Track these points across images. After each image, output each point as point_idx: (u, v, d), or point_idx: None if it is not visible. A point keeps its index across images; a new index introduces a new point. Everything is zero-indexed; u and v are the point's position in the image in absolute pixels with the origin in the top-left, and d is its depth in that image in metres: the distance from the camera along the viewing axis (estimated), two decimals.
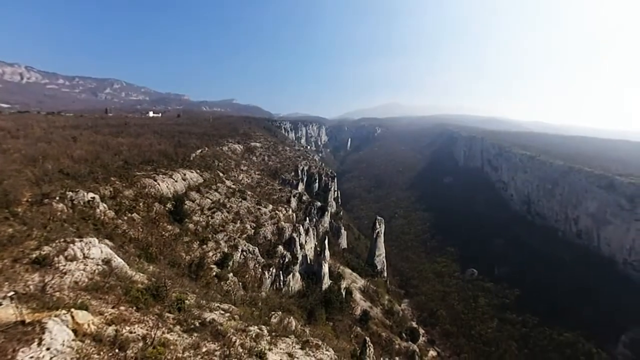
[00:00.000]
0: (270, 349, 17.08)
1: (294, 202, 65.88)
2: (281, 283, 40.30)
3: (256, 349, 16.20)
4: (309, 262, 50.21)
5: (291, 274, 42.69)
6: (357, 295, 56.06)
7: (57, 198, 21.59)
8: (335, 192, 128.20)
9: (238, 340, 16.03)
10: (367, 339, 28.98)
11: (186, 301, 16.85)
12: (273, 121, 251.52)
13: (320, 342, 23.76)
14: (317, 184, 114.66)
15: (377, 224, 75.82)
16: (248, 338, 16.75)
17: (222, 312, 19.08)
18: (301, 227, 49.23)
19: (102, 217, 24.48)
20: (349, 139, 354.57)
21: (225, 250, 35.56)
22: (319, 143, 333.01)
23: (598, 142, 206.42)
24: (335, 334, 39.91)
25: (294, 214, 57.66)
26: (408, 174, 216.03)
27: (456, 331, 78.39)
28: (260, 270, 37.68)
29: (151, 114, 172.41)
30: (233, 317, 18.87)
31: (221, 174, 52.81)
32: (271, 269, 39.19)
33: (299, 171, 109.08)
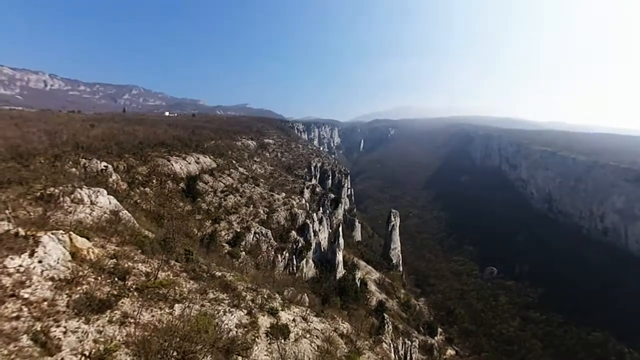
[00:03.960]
0: (283, 310, 16.12)
1: (307, 193, 65.00)
2: (294, 268, 39.34)
3: (268, 306, 15.26)
4: (322, 250, 49.09)
5: (304, 260, 41.68)
6: (372, 287, 54.49)
7: (70, 162, 21.42)
8: (349, 190, 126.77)
9: (248, 296, 15.14)
10: (386, 316, 27.51)
11: (194, 256, 16.09)
12: (286, 121, 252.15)
13: (336, 315, 22.70)
14: (330, 181, 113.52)
15: (392, 216, 74.01)
16: (259, 296, 15.82)
17: (233, 275, 18.21)
18: (315, 215, 48.26)
19: (115, 187, 24.20)
20: (362, 141, 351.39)
21: (238, 230, 34.94)
22: (332, 145, 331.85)
23: (620, 138, 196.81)
24: (350, 321, 38.65)
25: (307, 204, 56.68)
26: (423, 174, 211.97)
27: (475, 330, 75.31)
28: (273, 253, 36.85)
29: (167, 113, 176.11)
30: (244, 279, 18.02)
31: (234, 162, 52.54)
32: (284, 253, 38.31)
33: (312, 167, 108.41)
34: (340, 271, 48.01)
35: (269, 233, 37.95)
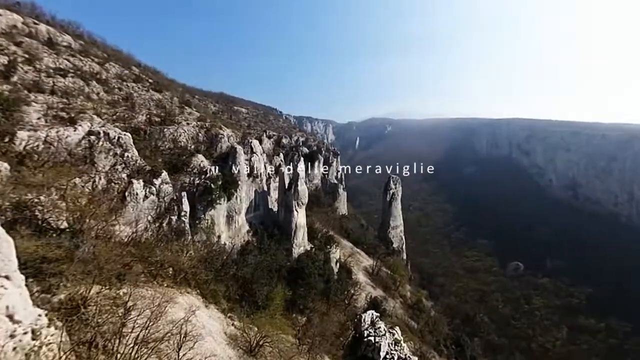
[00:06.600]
0: None
1: (267, 143, 44.75)
2: (195, 221, 18.67)
3: None
4: (270, 209, 28.52)
5: (218, 211, 21.13)
6: (361, 277, 33.87)
7: None
8: (339, 173, 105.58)
9: None
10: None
11: None
12: (272, 108, 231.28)
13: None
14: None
15: (391, 182, 53.59)
16: None
17: None
18: (255, 143, 27.82)
19: None
20: (357, 138, 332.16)
21: (37, 118, 14.45)
22: (326, 142, 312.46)
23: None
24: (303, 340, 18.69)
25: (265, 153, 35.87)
26: (423, 167, 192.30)
27: (507, 344, 54.82)
28: (125, 177, 16.12)
29: None
30: None
31: (138, 71, 31.98)
32: (159, 186, 17.62)
33: (293, 142, 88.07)
34: (301, 244, 27.43)
35: (129, 140, 17.23)
